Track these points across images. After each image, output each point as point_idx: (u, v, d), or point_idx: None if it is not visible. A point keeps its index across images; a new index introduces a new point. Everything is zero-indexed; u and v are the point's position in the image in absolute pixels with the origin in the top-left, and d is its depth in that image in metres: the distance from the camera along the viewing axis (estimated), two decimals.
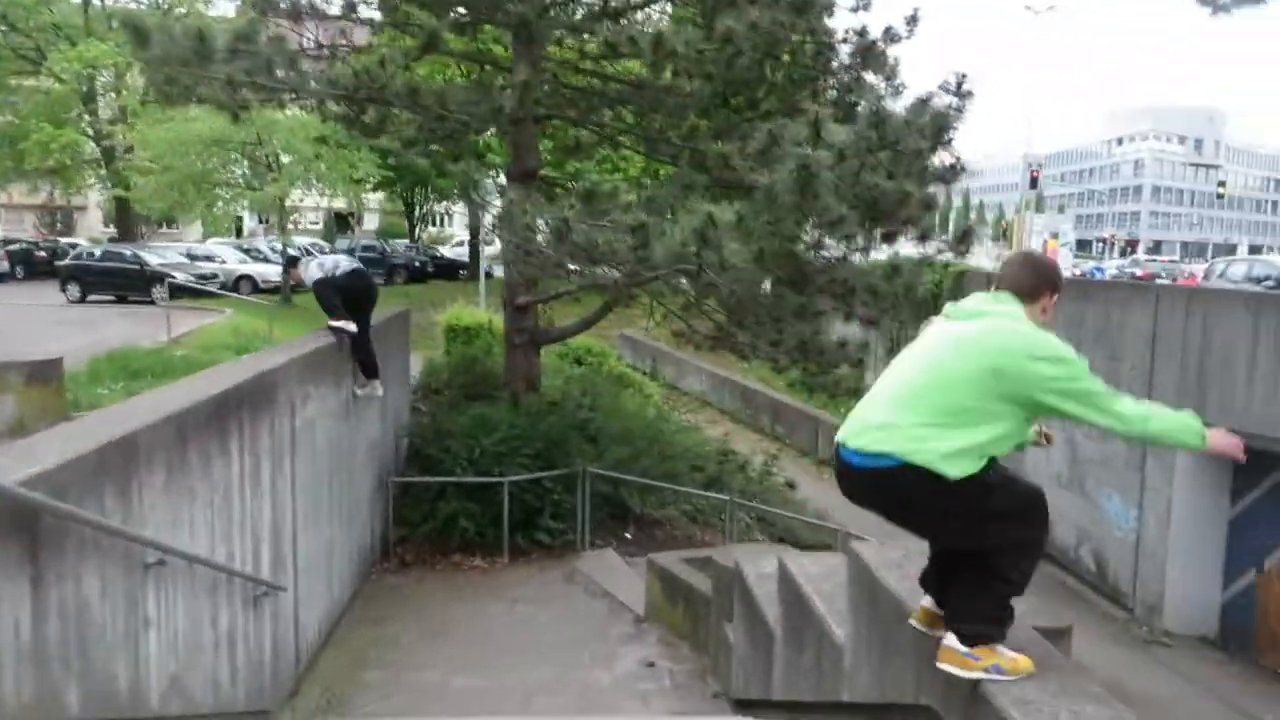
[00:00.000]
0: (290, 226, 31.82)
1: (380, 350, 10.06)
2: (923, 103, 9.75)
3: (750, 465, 15.78)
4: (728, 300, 10.87)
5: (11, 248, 35.76)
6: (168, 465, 5.19)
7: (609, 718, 7.21)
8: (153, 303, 24.02)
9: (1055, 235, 46.99)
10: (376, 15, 12.83)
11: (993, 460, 2.97)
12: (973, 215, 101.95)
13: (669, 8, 13.66)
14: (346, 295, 9.39)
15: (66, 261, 28.49)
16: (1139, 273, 40.82)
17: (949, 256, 10.82)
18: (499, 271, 18.72)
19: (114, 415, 5.47)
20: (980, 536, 3.02)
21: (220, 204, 29.70)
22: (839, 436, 3.17)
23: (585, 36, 12.19)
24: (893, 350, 3.34)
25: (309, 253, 27.17)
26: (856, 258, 10.46)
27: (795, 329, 10.71)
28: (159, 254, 29.49)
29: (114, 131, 31.58)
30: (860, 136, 8.51)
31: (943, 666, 3.03)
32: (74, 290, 26.66)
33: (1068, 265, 38.38)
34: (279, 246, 29.19)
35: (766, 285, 11.19)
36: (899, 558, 3.98)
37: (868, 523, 14.26)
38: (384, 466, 11.40)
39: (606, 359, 20.77)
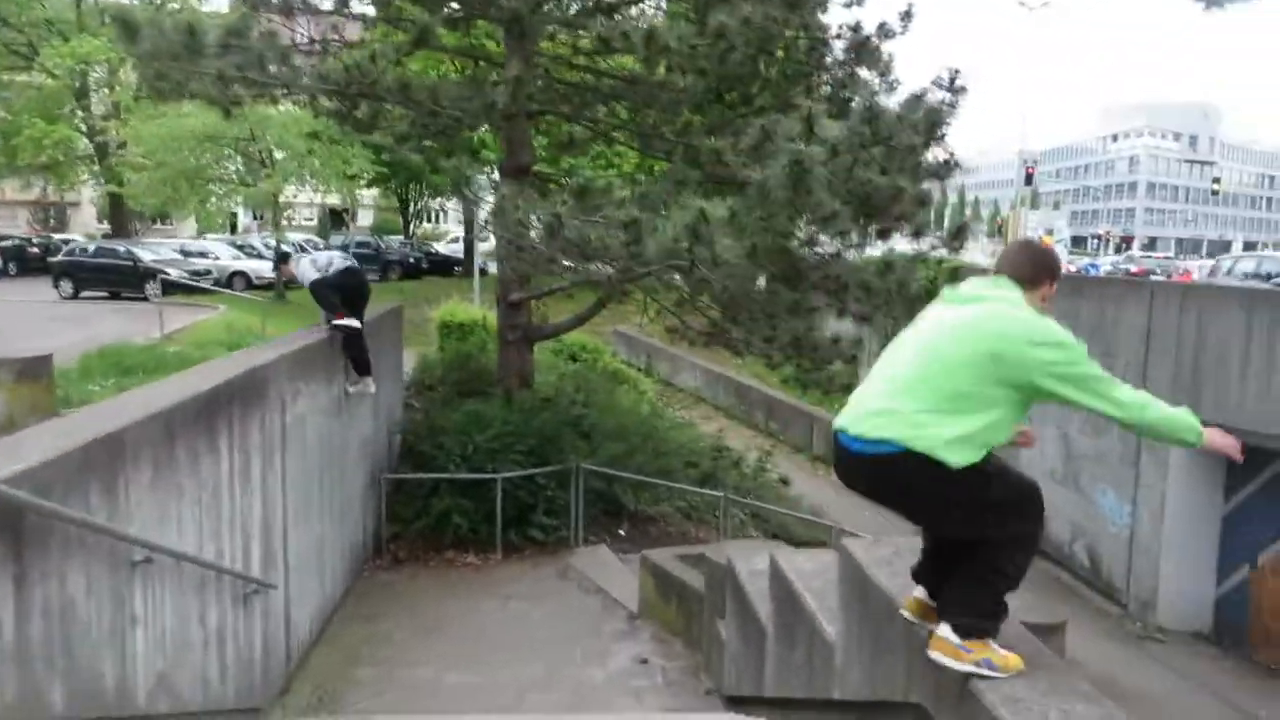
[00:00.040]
0: (284, 223, 31.77)
1: (373, 347, 10.02)
2: (916, 99, 9.73)
3: (744, 461, 15.76)
4: (721, 296, 10.85)
5: (4, 244, 35.72)
6: (155, 462, 5.16)
7: (602, 715, 7.19)
8: (146, 299, 23.97)
9: (1050, 232, 47.12)
10: (369, 10, 12.80)
11: (991, 451, 2.96)
12: (968, 212, 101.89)
13: (663, 3, 13.61)
14: (341, 293, 9.37)
15: (59, 258, 28.43)
16: (1133, 269, 40.83)
17: (943, 253, 10.80)
18: (493, 268, 18.67)
19: (102, 412, 5.43)
20: (979, 525, 3.00)
21: (214, 200, 29.66)
22: (838, 422, 3.14)
23: (579, 32, 12.13)
24: (886, 347, 3.32)
25: (303, 249, 27.11)
26: (850, 254, 10.44)
27: (789, 325, 10.69)
28: (152, 250, 29.47)
29: (107, 127, 31.54)
30: (853, 132, 8.49)
31: (934, 656, 3.01)
32: (67, 286, 26.63)
33: (1062, 262, 38.32)
34: (273, 243, 29.12)
35: (761, 281, 11.17)
36: (890, 555, 3.95)
37: (862, 519, 14.30)
38: (377, 463, 11.37)
39: (601, 355, 20.73)
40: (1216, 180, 69.06)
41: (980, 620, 2.98)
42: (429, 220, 61.74)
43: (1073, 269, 37.99)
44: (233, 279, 29.47)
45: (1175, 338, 12.45)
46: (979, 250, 30.68)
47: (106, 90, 33.25)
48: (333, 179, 29.52)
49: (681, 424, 17.52)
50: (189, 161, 26.12)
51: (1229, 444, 3.01)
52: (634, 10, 12.41)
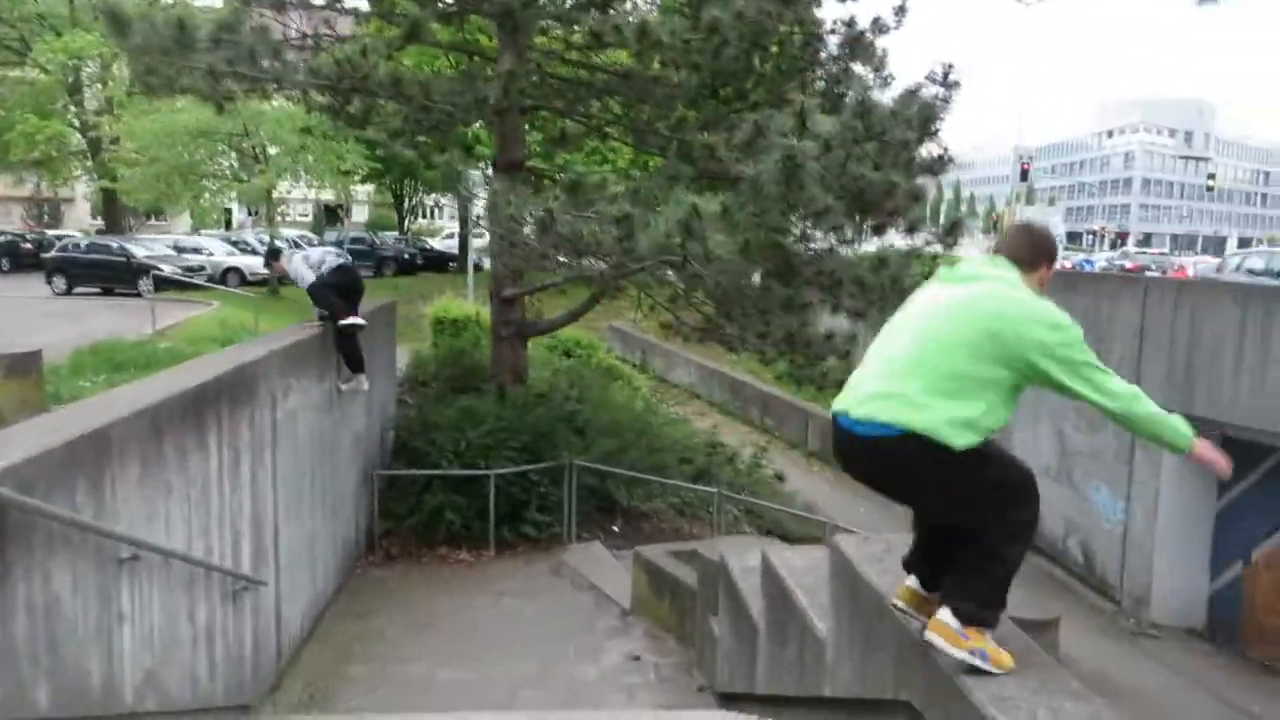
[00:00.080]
0: (279, 219, 31.70)
1: (366, 343, 9.97)
2: (910, 94, 9.70)
3: (739, 457, 15.75)
4: (714, 292, 10.82)
5: None
6: (142, 459, 5.12)
7: (594, 712, 7.17)
8: (139, 295, 23.88)
9: None
10: (362, 4, 12.73)
11: (989, 436, 2.95)
12: (963, 208, 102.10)
13: None
14: (336, 291, 9.36)
15: (52, 254, 28.32)
16: (1128, 265, 40.89)
17: (938, 248, 10.78)
18: (488, 264, 18.64)
19: (89, 409, 5.39)
20: (979, 510, 2.97)
21: (207, 196, 29.59)
22: (837, 405, 3.11)
23: (572, 26, 12.09)
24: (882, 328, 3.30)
25: (298, 245, 27.01)
26: (844, 250, 10.41)
27: (782, 321, 10.66)
28: (146, 246, 29.36)
29: (100, 123, 31.41)
30: (846, 127, 8.45)
31: (931, 637, 2.96)
32: (60, 283, 26.56)
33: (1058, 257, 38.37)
34: (267, 238, 29.07)
35: (756, 277, 11.14)
36: (881, 552, 3.93)
37: (857, 515, 14.29)
38: (369, 459, 11.33)
39: (596, 351, 20.72)
40: (1211, 176, 69.17)
41: (980, 610, 2.95)
42: (425, 216, 61.69)
43: (1068, 265, 38.01)
44: (227, 275, 29.35)
45: (1169, 334, 12.43)
46: (974, 246, 30.55)
47: (99, 85, 33.11)
48: (327, 174, 29.47)
49: (676, 420, 17.47)
50: (182, 157, 26.09)
51: (1218, 459, 3.01)
52: (627, 4, 12.36)
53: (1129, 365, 12.80)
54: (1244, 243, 74.34)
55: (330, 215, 56.29)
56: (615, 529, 12.37)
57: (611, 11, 11.47)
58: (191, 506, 5.86)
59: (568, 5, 12.16)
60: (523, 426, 11.91)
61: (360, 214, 61.43)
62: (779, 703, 5.20)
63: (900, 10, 11.30)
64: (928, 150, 10.26)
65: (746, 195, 8.23)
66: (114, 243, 28.60)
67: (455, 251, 41.84)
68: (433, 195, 49.32)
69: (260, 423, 7.25)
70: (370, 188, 48.37)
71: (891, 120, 8.95)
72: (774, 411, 22.74)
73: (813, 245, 10.50)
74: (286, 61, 10.76)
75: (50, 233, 40.34)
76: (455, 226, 46.20)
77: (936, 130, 9.73)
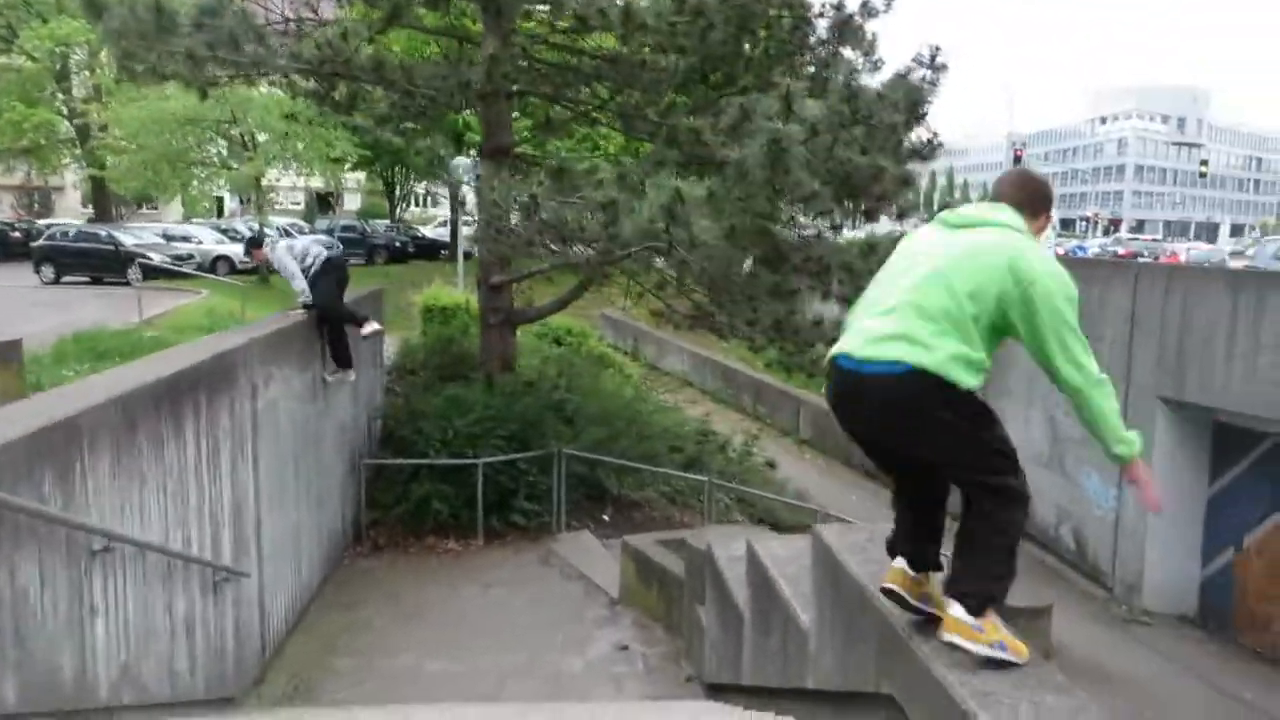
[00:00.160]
0: (270, 206, 31.51)
1: (353, 332, 9.88)
2: (899, 77, 9.59)
3: (730, 445, 15.67)
4: (701, 278, 10.72)
5: None
6: (114, 449, 5.03)
7: (581, 704, 7.10)
8: (128, 284, 23.72)
9: None
10: None
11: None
12: (956, 194, 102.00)
13: None
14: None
15: (41, 242, 28.14)
16: (1121, 251, 40.89)
17: None
18: (478, 251, 18.50)
19: (60, 398, 5.29)
20: (985, 457, 2.90)
21: (196, 183, 29.38)
22: (839, 348, 3.04)
23: (558, 9, 11.94)
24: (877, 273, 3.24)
25: (288, 233, 26.85)
26: (832, 235, 10.32)
27: (770, 308, 10.56)
28: (135, 234, 29.21)
29: (88, 110, 31.17)
30: (833, 111, 8.35)
31: (949, 638, 2.87)
32: (48, 271, 26.39)
33: (1050, 244, 38.41)
34: (256, 226, 28.88)
35: (748, 264, 11.04)
36: (863, 541, 3.85)
37: (848, 503, 14.22)
38: (356, 449, 11.24)
39: (587, 339, 20.61)
40: (1204, 163, 69.01)
41: (987, 584, 2.88)
42: (417, 204, 61.41)
43: (1060, 251, 37.96)
44: (216, 263, 29.18)
45: (1160, 319, 12.38)
46: None
47: (87, 73, 32.88)
48: (316, 162, 29.26)
49: (666, 408, 17.40)
50: (170, 144, 25.86)
51: (1150, 489, 3.01)
52: None
53: (1120, 351, 12.74)
54: (1237, 229, 74.36)
55: (322, 203, 55.97)
56: (605, 518, 12.30)
57: None
58: (168, 497, 5.77)
59: None
60: (511, 415, 11.82)
61: (352, 202, 61.13)
62: (764, 694, 5.13)
63: None
64: (917, 135, 10.17)
65: (732, 180, 8.13)
66: (102, 231, 28.43)
67: (447, 239, 41.66)
68: (423, 183, 49.07)
69: (240, 412, 7.15)
70: (361, 175, 48.08)
71: (879, 104, 8.86)
72: (766, 399, 22.69)
73: (801, 231, 10.40)
74: (269, 45, 10.61)
75: (40, 221, 40.07)
76: (447, 214, 45.97)
77: (924, 114, 9.63)
